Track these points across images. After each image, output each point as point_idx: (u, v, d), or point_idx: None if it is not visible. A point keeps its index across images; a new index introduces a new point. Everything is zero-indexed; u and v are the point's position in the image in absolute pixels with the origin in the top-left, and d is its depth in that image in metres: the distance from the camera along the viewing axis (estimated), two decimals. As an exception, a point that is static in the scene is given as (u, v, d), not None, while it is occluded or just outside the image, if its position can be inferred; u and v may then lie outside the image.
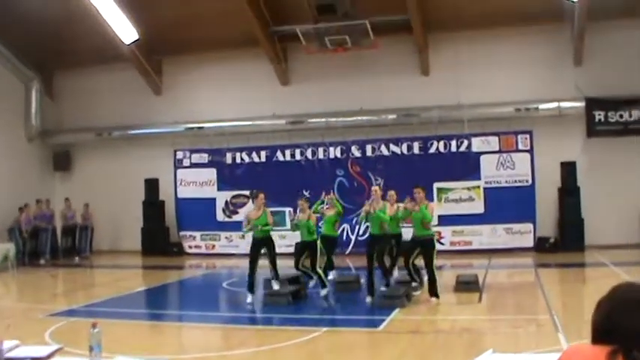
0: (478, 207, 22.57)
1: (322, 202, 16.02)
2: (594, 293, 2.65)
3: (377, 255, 13.57)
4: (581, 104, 22.47)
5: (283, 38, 24.56)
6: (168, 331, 12.28)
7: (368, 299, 13.39)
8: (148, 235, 25.18)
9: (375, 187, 14.71)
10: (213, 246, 24.82)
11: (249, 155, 24.65)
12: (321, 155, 23.94)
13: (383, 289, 13.79)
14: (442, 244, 21.95)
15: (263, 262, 14.46)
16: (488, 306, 13.27)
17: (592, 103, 22.36)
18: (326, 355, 9.88)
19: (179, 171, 25.32)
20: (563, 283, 17.16)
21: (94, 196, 25.99)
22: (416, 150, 23.18)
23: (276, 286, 14.20)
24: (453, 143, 22.89)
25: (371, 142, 23.62)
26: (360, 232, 22.29)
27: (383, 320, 11.44)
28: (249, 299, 13.93)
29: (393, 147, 23.37)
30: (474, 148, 22.69)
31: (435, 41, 23.76)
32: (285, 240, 21.42)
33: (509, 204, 22.02)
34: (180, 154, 25.40)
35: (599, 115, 22.39)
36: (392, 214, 14.48)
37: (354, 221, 22.24)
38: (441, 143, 23.00)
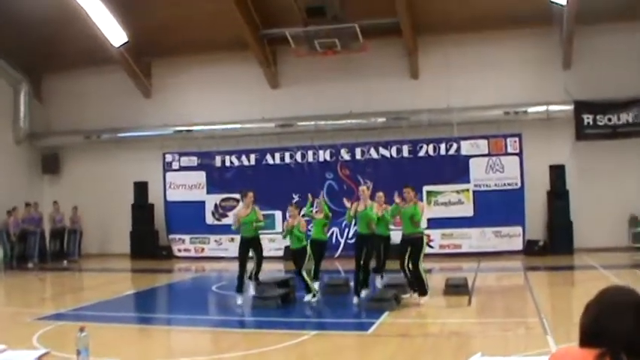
0: (467, 210, 22.61)
1: (312, 205, 15.97)
2: (583, 296, 2.65)
3: (364, 261, 13.54)
4: (569, 107, 22.55)
5: (273, 41, 24.57)
6: (157, 334, 12.22)
7: (355, 300, 13.40)
8: (137, 239, 25.13)
9: (362, 187, 14.71)
10: (203, 249, 24.78)
11: (239, 158, 24.62)
12: (310, 158, 23.94)
13: (363, 295, 13.69)
14: (431, 247, 21.95)
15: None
16: (477, 309, 13.25)
17: (581, 107, 22.44)
18: (315, 359, 9.86)
19: (168, 174, 25.27)
20: (552, 286, 17.18)
21: (83, 199, 25.91)
22: (405, 153, 23.21)
23: (252, 290, 14.13)
24: (443, 146, 22.93)
25: (360, 145, 23.64)
26: (350, 235, 22.26)
27: (372, 323, 11.41)
28: (239, 301, 13.90)
29: (382, 150, 23.40)
30: (464, 152, 22.72)
31: (425, 44, 23.81)
32: (275, 243, 21.50)
33: (498, 207, 22.07)
34: (169, 157, 25.34)
35: (587, 119, 22.47)
36: (380, 215, 14.48)
37: (343, 224, 22.21)
38: (431, 146, 23.03)
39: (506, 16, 22.13)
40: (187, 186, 25.05)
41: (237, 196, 23.58)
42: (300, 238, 13.84)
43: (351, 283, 14.37)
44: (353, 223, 14.79)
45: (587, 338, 2.41)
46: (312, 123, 24.45)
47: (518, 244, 22.27)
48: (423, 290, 13.02)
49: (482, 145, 22.65)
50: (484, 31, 22.96)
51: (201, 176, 24.97)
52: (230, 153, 24.77)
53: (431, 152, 23.03)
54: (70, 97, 27.23)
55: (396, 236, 15.16)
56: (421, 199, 21.40)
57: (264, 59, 24.71)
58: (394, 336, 10.67)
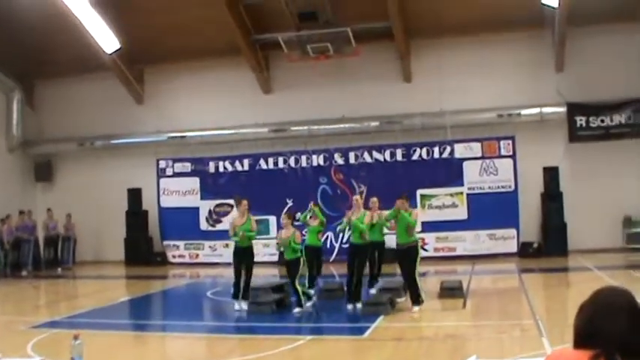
0: (461, 213, 22.61)
1: (307, 216, 15.94)
2: (578, 297, 2.65)
3: (357, 269, 13.52)
4: (562, 109, 22.60)
5: (265, 46, 24.58)
6: (152, 341, 12.18)
7: (349, 306, 13.39)
8: (132, 245, 25.07)
9: (356, 197, 14.73)
10: (197, 255, 24.73)
11: (232, 164, 24.60)
12: (304, 163, 23.92)
13: (350, 306, 13.62)
14: (426, 250, 21.97)
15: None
16: (472, 312, 13.27)
17: (574, 108, 22.49)
18: (311, 364, 9.85)
19: (162, 180, 25.22)
20: (547, 288, 17.21)
21: (77, 207, 25.83)
22: (399, 157, 23.20)
23: (243, 306, 13.92)
24: (436, 150, 22.93)
25: (354, 149, 23.63)
26: (344, 240, 22.17)
27: (367, 328, 11.41)
28: (236, 306, 13.87)
29: (375, 154, 23.39)
30: (457, 155, 22.73)
31: (417, 48, 23.83)
32: (269, 248, 21.44)
33: (492, 210, 22.06)
34: (162, 164, 25.30)
35: (580, 120, 22.52)
36: (374, 221, 14.48)
37: (337, 229, 22.16)
38: (424, 150, 23.03)
39: (498, 19, 22.17)
40: (181, 192, 25.00)
41: (231, 201, 23.58)
42: (296, 250, 13.66)
43: (346, 286, 14.34)
44: (347, 228, 14.73)
45: (582, 339, 2.41)
46: (306, 128, 24.44)
47: (512, 247, 22.27)
48: (416, 299, 12.95)
49: (476, 148, 22.65)
50: (476, 34, 22.99)
51: (194, 182, 24.93)
52: (223, 159, 24.75)
53: (424, 156, 23.03)
54: (63, 104, 27.19)
55: (390, 240, 15.17)
56: (415, 204, 21.56)
57: (256, 64, 24.71)
58: (389, 340, 10.67)
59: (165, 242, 25.11)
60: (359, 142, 23.82)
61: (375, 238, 14.61)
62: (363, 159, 23.43)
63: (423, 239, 21.78)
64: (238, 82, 25.26)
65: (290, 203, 23.12)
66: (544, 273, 19.50)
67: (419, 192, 22.63)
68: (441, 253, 22.48)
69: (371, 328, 11.37)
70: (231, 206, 23.59)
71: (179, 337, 12.21)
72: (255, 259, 14.67)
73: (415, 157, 23.10)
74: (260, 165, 24.29)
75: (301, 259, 13.65)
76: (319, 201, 21.15)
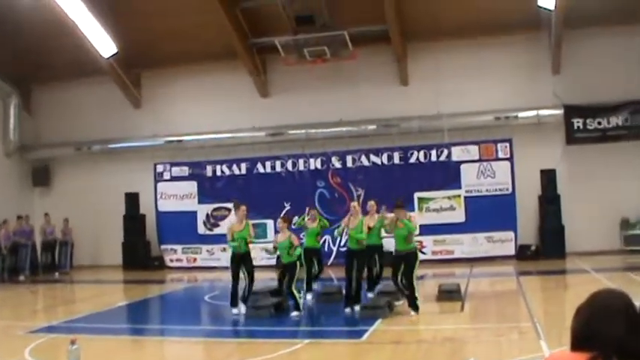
0: (459, 216, 22.60)
1: (304, 218, 15.94)
2: (576, 300, 2.64)
3: (356, 272, 13.49)
4: (559, 112, 22.63)
5: (262, 50, 24.59)
6: (149, 345, 12.17)
7: (347, 310, 13.38)
8: (129, 250, 25.04)
9: (354, 203, 14.71)
10: (195, 259, 24.70)
11: (230, 168, 24.58)
12: (301, 167, 23.90)
13: (348, 310, 13.58)
14: (424, 253, 21.96)
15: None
16: (470, 315, 13.26)
17: (570, 111, 22.51)
18: (309, 367, 9.84)
19: (159, 184, 25.20)
20: (545, 291, 17.19)
21: (74, 211, 25.81)
22: (396, 160, 23.20)
23: (242, 309, 13.89)
24: (433, 153, 22.93)
25: (351, 152, 23.62)
26: (342, 244, 22.13)
27: (365, 331, 11.41)
28: (235, 311, 13.84)
29: (373, 157, 23.38)
30: (454, 157, 22.73)
31: (414, 51, 23.86)
32: (267, 252, 21.39)
33: (490, 212, 22.05)
34: (160, 168, 25.27)
35: (577, 123, 22.55)
36: (372, 225, 14.47)
37: (334, 233, 22.15)
38: (421, 153, 23.03)
39: (495, 21, 22.21)
40: (179, 196, 24.98)
41: (228, 205, 23.58)
42: (293, 253, 13.60)
43: (344, 291, 14.32)
44: (344, 232, 14.73)
45: (579, 342, 2.40)
46: (303, 131, 24.44)
47: (510, 249, 22.27)
48: (414, 305, 12.91)
49: (473, 151, 22.66)
50: (473, 37, 23.03)
51: (192, 186, 24.91)
52: (221, 162, 24.73)
53: (422, 159, 23.02)
54: (60, 109, 27.18)
55: (388, 244, 15.15)
56: (413, 207, 21.58)
57: (253, 68, 24.72)
58: (388, 343, 10.66)
59: (163, 246, 25.08)
60: (356, 145, 23.83)
61: (373, 242, 14.58)
62: (361, 162, 23.42)
63: (420, 242, 21.81)
64: (235, 85, 25.28)
65: (288, 207, 23.11)
66: (542, 275, 19.51)
67: (416, 195, 22.66)
68: (438, 256, 22.45)
69: (369, 332, 11.36)
70: (229, 210, 23.58)
71: (177, 342, 12.19)
72: (254, 263, 14.62)
73: (412, 160, 23.10)
74: (257, 169, 24.28)
75: (298, 263, 13.60)
76: (317, 204, 21.11)
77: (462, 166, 22.65)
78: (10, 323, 14.02)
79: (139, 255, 24.94)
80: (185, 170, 25.05)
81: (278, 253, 14.28)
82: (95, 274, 24.58)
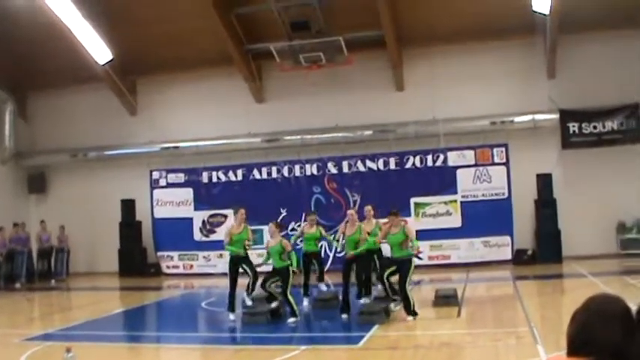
0: (455, 221, 22.59)
1: (299, 237, 15.96)
2: (572, 304, 2.64)
3: (357, 275, 13.48)
4: (555, 116, 22.64)
5: (257, 56, 24.60)
6: (146, 352, 12.15)
7: (344, 316, 13.34)
8: (125, 257, 25.00)
9: (351, 211, 14.71)
10: (191, 266, 24.66)
11: (226, 174, 24.56)
12: (297, 172, 23.90)
13: (344, 316, 13.52)
14: (421, 258, 21.89)
15: (242, 281, 14.29)
16: (467, 320, 13.26)
17: (566, 115, 22.54)
18: (306, 374, 9.82)
19: (155, 191, 25.18)
20: (542, 295, 17.18)
21: (70, 218, 25.77)
22: (392, 165, 23.19)
23: (247, 302, 13.97)
24: (429, 158, 22.93)
25: (347, 158, 23.62)
26: (339, 249, 22.08)
27: (362, 337, 11.39)
28: (231, 317, 13.81)
29: (369, 163, 23.38)
30: (450, 163, 22.74)
31: (409, 56, 23.88)
32: (263, 258, 21.32)
33: (486, 217, 22.05)
34: (156, 174, 25.25)
35: (573, 127, 22.56)
36: (369, 230, 14.46)
37: (332, 239, 22.12)
38: (417, 158, 23.03)
39: (490, 27, 22.24)
40: (175, 203, 24.95)
41: (225, 212, 23.63)
42: (283, 257, 13.44)
43: (340, 297, 14.28)
44: (341, 238, 14.73)
45: (575, 347, 2.40)
46: (299, 137, 24.43)
47: (506, 254, 22.27)
48: (409, 311, 12.87)
49: (469, 156, 22.66)
50: (468, 42, 23.06)
51: (188, 193, 24.89)
52: (217, 169, 24.71)
53: (418, 164, 23.02)
54: (56, 116, 27.16)
55: (386, 248, 15.13)
56: (409, 212, 21.60)
57: (249, 74, 24.72)
58: (384, 349, 10.65)
59: (159, 253, 25.04)
60: (352, 151, 23.84)
61: (370, 246, 14.55)
62: (357, 168, 23.42)
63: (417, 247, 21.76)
64: (231, 92, 25.27)
65: (284, 213, 23.13)
66: (538, 280, 19.51)
67: (412, 200, 22.66)
68: (435, 261, 22.42)
69: (366, 337, 11.35)
70: (225, 216, 23.65)
71: (174, 349, 12.17)
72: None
73: (408, 165, 23.09)
74: (253, 175, 24.26)
75: (290, 268, 13.52)
76: (313, 210, 21.06)
77: (458, 171, 22.66)
78: (5, 331, 13.99)
79: (136, 262, 24.91)
80: (181, 177, 25.03)
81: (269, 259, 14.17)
82: (91, 281, 24.53)
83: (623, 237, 22.19)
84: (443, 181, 22.68)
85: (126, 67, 25.33)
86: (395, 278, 13.52)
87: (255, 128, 24.72)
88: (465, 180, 22.57)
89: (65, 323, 15.13)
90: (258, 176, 24.21)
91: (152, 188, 25.19)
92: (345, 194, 23.13)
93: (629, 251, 21.80)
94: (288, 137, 24.60)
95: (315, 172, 23.78)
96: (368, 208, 15.51)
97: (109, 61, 23.88)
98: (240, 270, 14.20)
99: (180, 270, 24.71)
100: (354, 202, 22.45)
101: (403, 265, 12.96)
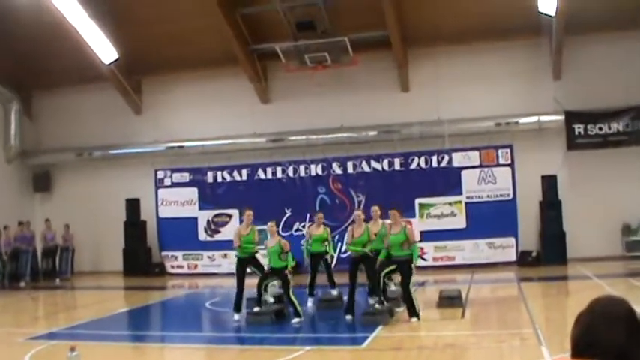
0: (460, 222, 22.56)
1: (308, 241, 15.91)
2: (577, 306, 2.63)
3: (368, 276, 13.34)
4: (560, 118, 22.61)
5: (263, 56, 24.61)
6: (150, 352, 12.16)
7: (348, 317, 13.31)
8: (130, 256, 25.03)
9: (357, 212, 14.67)
10: (196, 265, 24.67)
11: (231, 174, 24.56)
12: (302, 173, 23.89)
13: (349, 316, 13.41)
14: (425, 259, 21.97)
15: (249, 282, 14.28)
16: (471, 321, 13.24)
17: (571, 117, 22.50)
18: (309, 374, 9.81)
19: (160, 191, 25.19)
20: (546, 297, 17.16)
21: (75, 217, 25.80)
22: (397, 166, 23.17)
23: (270, 299, 13.92)
24: (434, 159, 22.91)
25: (352, 159, 23.61)
26: (343, 249, 22.03)
27: (366, 337, 11.37)
28: (236, 317, 13.79)
29: (374, 163, 23.36)
30: (455, 164, 22.71)
31: (415, 57, 23.85)
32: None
33: (491, 218, 22.02)
34: (161, 174, 25.26)
35: (578, 129, 22.53)
36: (376, 231, 14.41)
37: (336, 239, 22.12)
38: (422, 159, 23.01)
39: (495, 27, 22.22)
40: (179, 202, 24.96)
41: (229, 211, 23.69)
42: (282, 257, 13.38)
43: (345, 297, 14.25)
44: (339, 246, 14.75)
45: (579, 349, 2.39)
46: (304, 137, 24.42)
47: (511, 255, 22.23)
48: (414, 311, 12.83)
49: (474, 157, 22.63)
50: (474, 43, 23.04)
51: (193, 192, 24.89)
52: (222, 169, 24.71)
53: (423, 165, 23.00)
54: (61, 115, 27.20)
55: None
56: (414, 213, 21.57)
57: (254, 74, 24.72)
58: (388, 350, 10.64)
59: (164, 253, 25.06)
60: (357, 151, 23.82)
61: (375, 246, 14.50)
62: (362, 168, 23.41)
63: (422, 248, 21.80)
64: (236, 92, 25.28)
65: (288, 213, 23.14)
66: (543, 281, 19.48)
67: (417, 201, 22.64)
68: (439, 262, 22.44)
69: (370, 338, 11.33)
70: (230, 216, 23.71)
71: (178, 348, 12.17)
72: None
73: (413, 166, 23.07)
74: (258, 175, 24.26)
75: (287, 268, 13.47)
76: (317, 207, 21.05)
77: (463, 172, 22.63)
78: (10, 330, 14.02)
79: (140, 261, 24.93)
80: (186, 176, 25.04)
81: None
82: (96, 280, 24.56)
83: (628, 239, 22.14)
84: (448, 182, 22.66)
85: (131, 67, 25.36)
86: (397, 278, 13.50)
87: (260, 128, 24.73)
88: (469, 181, 22.54)
89: (70, 322, 15.16)
90: (262, 176, 24.21)
91: (157, 188, 25.20)
92: (349, 195, 23.12)
93: (634, 253, 21.73)
94: (293, 137, 24.60)
95: (319, 172, 23.77)
96: (375, 209, 15.45)
97: (115, 61, 23.91)
98: (249, 270, 14.19)
99: (185, 270, 24.72)
100: (359, 202, 22.45)
101: (403, 265, 12.91)
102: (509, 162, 22.38)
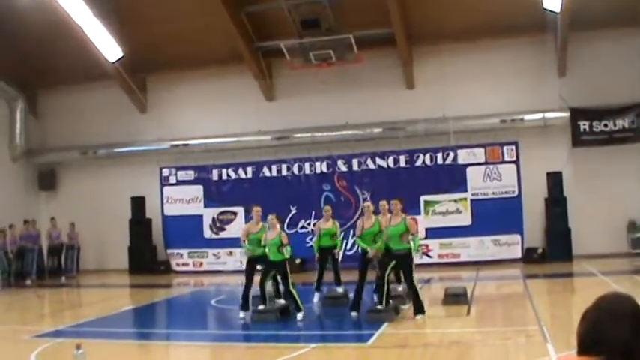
0: (465, 219, 22.56)
1: (318, 235, 15.85)
2: (582, 303, 2.63)
3: (380, 273, 13.19)
4: (565, 114, 22.58)
5: (267, 54, 24.62)
6: (156, 350, 12.16)
7: (354, 314, 13.29)
8: (135, 254, 25.06)
9: (367, 203, 14.62)
10: (201, 263, 24.70)
11: (236, 172, 24.58)
12: (307, 170, 23.90)
13: (354, 313, 13.36)
14: (430, 256, 22.00)
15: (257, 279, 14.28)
16: (477, 318, 13.21)
17: (577, 113, 22.47)
18: (315, 371, 9.81)
19: (165, 188, 25.22)
20: (552, 294, 17.12)
21: (80, 215, 25.87)
22: (402, 163, 23.17)
23: (282, 301, 13.91)
24: (439, 156, 22.91)
25: (357, 156, 23.61)
26: (348, 247, 22.04)
27: (372, 335, 11.36)
28: (241, 315, 13.79)
29: (379, 161, 23.37)
30: (460, 161, 22.70)
31: (420, 54, 23.84)
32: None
33: (496, 215, 22.02)
34: (166, 172, 25.30)
35: (583, 125, 22.50)
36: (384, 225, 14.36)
37: (341, 236, 22.09)
38: (427, 156, 23.01)
39: (500, 24, 22.19)
40: (185, 200, 24.99)
41: (234, 209, 23.72)
42: (281, 250, 13.28)
43: (351, 295, 14.23)
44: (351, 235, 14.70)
45: (586, 346, 2.39)
46: (309, 135, 24.43)
47: (516, 252, 22.23)
48: (419, 307, 12.82)
49: (479, 154, 22.62)
50: (479, 40, 23.02)
51: (198, 190, 24.93)
52: (227, 166, 24.73)
53: (428, 162, 23.00)
54: (66, 113, 27.25)
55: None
56: (419, 210, 21.56)
57: (259, 72, 24.72)
58: (394, 347, 10.63)
59: (169, 250, 25.10)
60: (362, 148, 23.81)
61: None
62: (367, 166, 23.41)
63: (427, 245, 21.85)
64: (241, 89, 25.29)
65: (294, 211, 23.14)
66: (548, 278, 19.45)
67: (422, 198, 22.64)
68: (445, 260, 22.45)
69: (375, 335, 11.32)
70: (235, 214, 23.75)
71: (183, 346, 12.17)
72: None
73: (418, 163, 23.07)
74: (263, 172, 24.27)
75: (287, 262, 13.47)
76: (323, 204, 21.03)
77: (468, 169, 22.63)
78: (16, 327, 14.04)
79: (146, 259, 24.98)
80: (191, 174, 25.07)
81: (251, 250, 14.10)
82: (101, 278, 24.58)
83: (634, 236, 22.10)
84: (453, 179, 22.66)
85: (136, 65, 25.37)
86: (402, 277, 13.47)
87: (265, 126, 24.73)
88: (475, 178, 22.54)
89: (75, 320, 15.19)
90: (268, 174, 24.22)
91: (162, 186, 25.24)
92: (355, 192, 23.13)
93: (639, 250, 21.71)
94: (298, 135, 24.60)
95: (325, 169, 23.79)
96: (382, 203, 15.36)
97: (120, 59, 23.90)
98: (258, 267, 14.17)
99: (190, 267, 24.76)
100: (364, 199, 22.43)
101: (404, 260, 12.81)
102: (514, 159, 22.37)
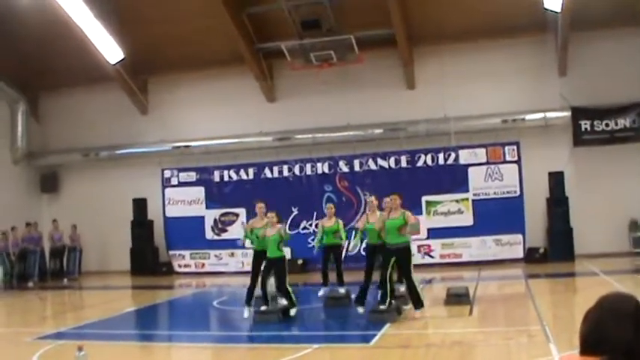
0: (467, 219, 22.55)
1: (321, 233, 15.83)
2: (585, 303, 2.63)
3: (381, 272, 13.10)
4: (567, 114, 22.58)
5: (268, 55, 24.62)
6: (158, 351, 12.17)
7: (359, 309, 13.25)
8: (137, 255, 25.08)
9: (371, 198, 14.65)
10: (203, 264, 24.71)
11: (237, 173, 24.60)
12: (308, 171, 23.90)
13: (360, 309, 13.39)
14: (432, 257, 22.00)
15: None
16: (479, 318, 13.20)
17: (578, 113, 22.47)
18: (317, 372, 9.81)
19: (167, 190, 25.23)
20: (554, 294, 17.12)
21: (82, 217, 25.86)
22: (403, 164, 23.16)
23: (283, 301, 13.89)
24: (441, 156, 22.90)
25: (358, 156, 23.61)
26: (350, 248, 22.00)
27: (374, 335, 11.35)
28: (245, 314, 13.77)
29: (380, 161, 23.36)
30: (462, 161, 22.69)
31: (420, 55, 23.84)
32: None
33: (498, 215, 22.01)
34: (167, 173, 25.31)
35: (585, 125, 22.50)
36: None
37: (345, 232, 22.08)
38: (429, 156, 23.00)
39: (500, 24, 22.19)
40: (186, 201, 25.00)
41: (236, 210, 23.71)
42: (280, 247, 13.29)
43: (353, 295, 14.22)
44: (360, 236, 14.69)
45: (588, 346, 2.39)
46: (310, 136, 24.44)
47: (518, 252, 22.22)
48: (418, 302, 12.81)
49: (481, 154, 22.62)
50: (479, 40, 23.02)
51: (199, 191, 24.94)
52: (228, 168, 24.75)
53: (429, 162, 23.00)
54: (67, 115, 27.28)
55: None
56: (420, 211, 21.55)
57: (260, 73, 24.73)
58: (396, 347, 10.62)
59: (171, 252, 25.11)
60: (363, 149, 23.81)
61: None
62: (368, 166, 23.41)
63: (429, 246, 21.86)
64: (242, 90, 25.30)
65: (295, 212, 23.14)
66: (550, 278, 19.44)
67: (424, 198, 22.63)
68: (447, 260, 22.45)
69: (378, 336, 11.31)
70: (237, 215, 23.74)
71: (185, 347, 12.17)
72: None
73: (420, 163, 23.07)
74: (265, 173, 24.28)
75: (285, 259, 13.45)
76: (324, 205, 21.02)
77: (470, 169, 22.62)
78: (18, 329, 14.06)
79: (147, 261, 24.99)
80: (192, 176, 25.08)
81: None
82: (103, 280, 24.60)
83: (636, 235, 22.09)
84: (454, 179, 22.65)
85: (137, 67, 25.39)
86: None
87: (267, 127, 24.74)
88: (476, 178, 22.53)
89: (77, 322, 15.16)
90: (269, 175, 24.23)
91: (164, 187, 25.26)
92: (356, 192, 23.12)
93: (641, 249, 21.73)
94: (300, 136, 24.61)
95: (326, 170, 23.79)
96: (387, 200, 15.40)
97: (121, 61, 23.89)
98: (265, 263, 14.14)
99: (192, 269, 24.77)
100: (366, 200, 22.42)
101: (402, 255, 12.74)
102: (515, 159, 22.36)
